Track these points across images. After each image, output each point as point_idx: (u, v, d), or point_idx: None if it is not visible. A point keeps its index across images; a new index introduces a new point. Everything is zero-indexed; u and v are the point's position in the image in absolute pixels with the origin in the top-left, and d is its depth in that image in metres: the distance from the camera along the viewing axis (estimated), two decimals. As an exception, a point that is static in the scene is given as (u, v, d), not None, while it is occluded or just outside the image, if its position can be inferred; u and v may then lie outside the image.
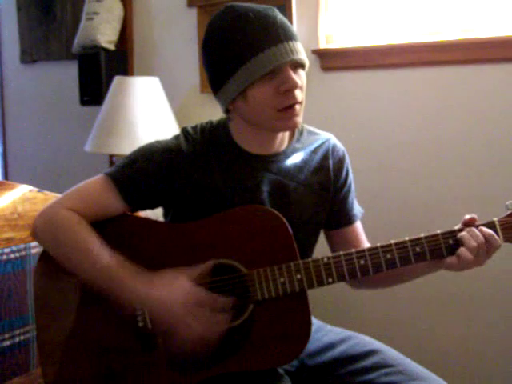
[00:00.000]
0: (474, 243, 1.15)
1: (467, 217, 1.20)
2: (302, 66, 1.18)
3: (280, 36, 1.13)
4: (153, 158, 1.23)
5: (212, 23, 1.20)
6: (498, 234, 1.17)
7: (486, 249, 1.16)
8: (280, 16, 1.17)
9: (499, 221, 1.19)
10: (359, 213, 1.39)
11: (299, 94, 1.17)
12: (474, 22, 1.89)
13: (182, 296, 1.12)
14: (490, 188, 1.84)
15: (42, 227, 1.22)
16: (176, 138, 1.27)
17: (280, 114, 1.16)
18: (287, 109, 1.16)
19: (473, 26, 1.88)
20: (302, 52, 1.17)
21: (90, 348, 1.22)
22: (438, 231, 1.19)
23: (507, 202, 1.20)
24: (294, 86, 1.15)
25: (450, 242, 1.18)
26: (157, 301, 1.13)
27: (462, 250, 1.16)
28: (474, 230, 1.17)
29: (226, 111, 1.24)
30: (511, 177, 1.81)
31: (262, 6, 1.18)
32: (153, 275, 1.15)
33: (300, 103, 1.18)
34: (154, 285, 1.14)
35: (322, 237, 1.39)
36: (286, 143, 1.29)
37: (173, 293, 1.13)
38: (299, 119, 1.19)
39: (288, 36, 1.15)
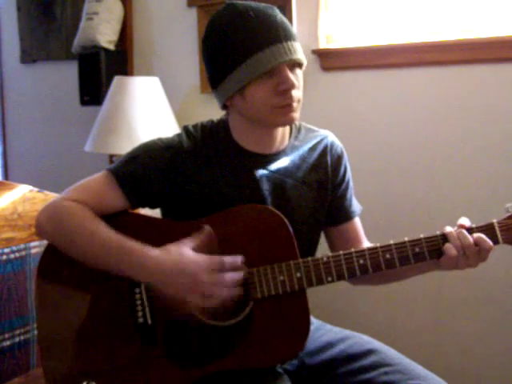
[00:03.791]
0: (458, 241, 1.16)
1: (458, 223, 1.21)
2: (299, 65, 1.19)
3: (279, 36, 1.15)
4: (154, 155, 1.24)
5: (213, 20, 1.21)
6: (496, 236, 1.18)
7: (478, 251, 1.16)
8: (280, 15, 1.19)
9: (498, 223, 1.19)
10: (358, 209, 1.40)
11: (296, 94, 1.18)
12: (474, 21, 1.89)
13: (191, 266, 1.11)
14: (490, 189, 1.84)
15: (46, 218, 1.23)
16: (178, 135, 1.28)
17: (277, 111, 1.18)
18: (284, 106, 1.17)
19: (473, 26, 1.89)
20: (300, 52, 1.18)
21: (90, 345, 1.23)
22: (437, 232, 1.19)
23: (507, 205, 1.20)
24: (292, 86, 1.16)
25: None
26: (165, 273, 1.12)
27: (447, 246, 1.17)
28: (463, 231, 1.17)
29: (224, 107, 1.25)
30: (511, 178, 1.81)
31: (262, 5, 1.19)
32: (158, 249, 1.15)
33: (297, 102, 1.19)
34: (161, 257, 1.13)
35: (322, 236, 1.39)
36: (286, 142, 1.30)
37: (181, 264, 1.11)
38: (296, 115, 1.20)
39: (287, 36, 1.16)
